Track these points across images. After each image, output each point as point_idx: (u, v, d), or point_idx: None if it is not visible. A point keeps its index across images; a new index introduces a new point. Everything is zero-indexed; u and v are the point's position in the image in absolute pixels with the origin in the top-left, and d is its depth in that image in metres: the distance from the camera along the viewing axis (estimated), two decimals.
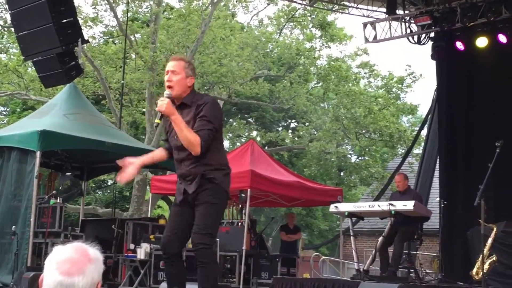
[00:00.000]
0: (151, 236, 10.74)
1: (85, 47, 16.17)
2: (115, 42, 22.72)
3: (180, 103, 4.89)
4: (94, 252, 2.22)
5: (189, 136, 4.69)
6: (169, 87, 4.82)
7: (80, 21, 12.22)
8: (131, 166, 4.85)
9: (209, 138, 4.76)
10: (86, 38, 10.71)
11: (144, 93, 20.85)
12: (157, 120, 4.80)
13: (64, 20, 9.57)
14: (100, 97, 22.48)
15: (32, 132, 9.52)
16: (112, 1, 20.15)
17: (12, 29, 19.53)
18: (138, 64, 20.41)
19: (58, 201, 10.11)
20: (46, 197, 10.11)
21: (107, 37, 22.98)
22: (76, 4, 10.00)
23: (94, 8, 20.54)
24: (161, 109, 4.68)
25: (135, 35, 21.19)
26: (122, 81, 16.53)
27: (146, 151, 11.72)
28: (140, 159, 4.96)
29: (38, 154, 9.29)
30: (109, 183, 27.36)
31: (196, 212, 4.85)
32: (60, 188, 11.60)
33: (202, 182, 4.84)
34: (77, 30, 9.91)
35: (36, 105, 20.87)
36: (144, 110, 21.29)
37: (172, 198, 22.67)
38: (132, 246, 10.59)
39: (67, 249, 2.19)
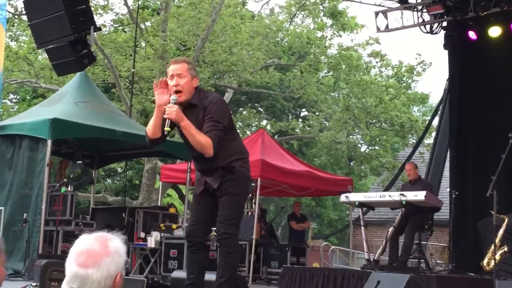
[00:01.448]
0: (161, 225, 10.77)
1: (96, 35, 16.17)
2: (125, 30, 22.70)
3: (188, 104, 4.90)
4: (115, 244, 2.21)
5: (201, 140, 4.72)
6: (177, 91, 4.79)
7: (91, 9, 12.20)
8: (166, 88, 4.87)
9: (220, 138, 4.80)
10: (97, 25, 10.70)
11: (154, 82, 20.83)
12: (167, 128, 4.75)
13: (77, 8, 9.57)
14: (110, 85, 22.48)
15: (43, 120, 9.54)
16: None
17: (23, 17, 19.63)
18: (148, 53, 20.39)
19: (69, 189, 10.14)
20: (57, 185, 10.15)
21: (118, 25, 22.95)
22: None
23: None
24: (171, 116, 4.66)
25: (145, 23, 21.16)
26: (133, 69, 16.52)
27: None
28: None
29: (49, 142, 9.31)
30: (119, 171, 27.43)
31: (220, 202, 4.92)
32: (71, 176, 11.64)
33: (223, 173, 4.91)
34: (89, 17, 9.92)
35: (46, 93, 20.91)
36: (153, 98, 21.26)
37: (182, 188, 22.73)
38: (142, 235, 10.61)
39: (88, 239, 2.21)
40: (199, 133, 4.72)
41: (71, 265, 2.16)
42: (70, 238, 9.05)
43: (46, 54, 12.00)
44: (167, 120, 4.69)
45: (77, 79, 11.20)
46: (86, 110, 10.40)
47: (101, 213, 11.81)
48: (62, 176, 11.08)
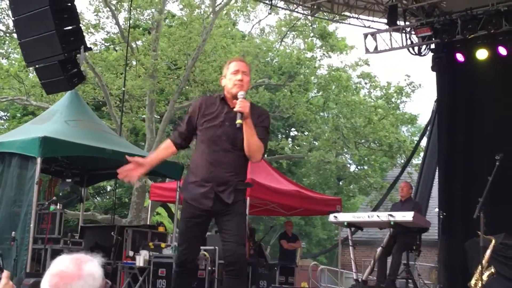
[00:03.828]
0: (150, 244, 10.75)
1: (87, 54, 16.21)
2: (116, 49, 22.78)
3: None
4: (90, 267, 2.20)
5: (258, 142, 4.54)
6: (242, 86, 4.60)
7: (82, 28, 12.26)
8: (140, 168, 4.69)
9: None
10: (88, 45, 10.75)
11: (145, 100, 20.90)
12: (239, 121, 4.43)
13: (67, 28, 9.61)
14: (100, 103, 22.51)
15: (33, 138, 9.53)
16: (114, 8, 20.22)
17: (14, 35, 19.66)
18: (139, 71, 20.46)
19: (58, 207, 10.12)
20: (46, 203, 10.12)
21: (109, 44, 23.03)
22: (78, 11, 10.03)
23: (96, 15, 20.65)
24: (246, 110, 4.43)
25: (137, 42, 21.25)
26: (123, 88, 16.57)
27: None
28: (149, 161, 4.79)
29: (39, 160, 9.30)
30: (108, 189, 27.36)
31: (230, 221, 4.60)
32: (60, 194, 11.60)
33: (236, 193, 4.64)
34: (80, 37, 9.95)
35: (36, 110, 20.90)
36: (144, 117, 21.32)
37: (171, 206, 22.70)
38: (131, 253, 10.58)
39: (63, 260, 2.21)
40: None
41: (44, 287, 2.16)
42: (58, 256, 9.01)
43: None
44: (238, 113, 4.44)
45: (67, 97, 11.21)
46: (76, 129, 10.40)
47: (90, 231, 11.77)
48: (51, 194, 11.06)
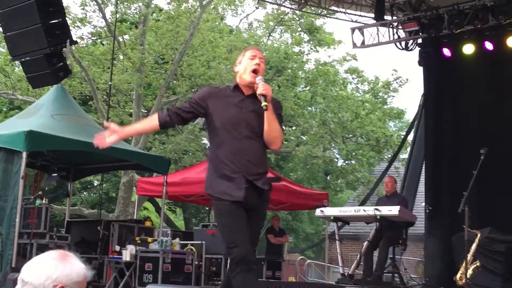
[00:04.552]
0: (137, 238, 10.74)
1: (73, 48, 16.13)
2: (103, 43, 22.67)
3: (253, 93, 4.45)
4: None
5: (280, 128, 4.38)
6: (259, 72, 4.44)
7: (68, 22, 12.19)
8: (113, 134, 4.48)
9: None
10: (74, 38, 10.69)
11: (132, 95, 20.83)
12: (265, 103, 4.26)
13: (53, 21, 9.57)
14: (87, 97, 22.42)
15: (18, 132, 9.47)
16: (100, 2, 20.12)
17: (0, 29, 19.53)
18: (126, 66, 20.38)
19: (44, 202, 10.07)
20: (32, 197, 10.08)
21: (95, 38, 22.92)
22: (64, 4, 9.99)
23: (83, 8, 20.52)
24: (269, 92, 4.32)
25: (124, 36, 21.16)
26: (110, 82, 16.50)
27: (133, 153, 11.74)
28: (125, 129, 4.62)
29: (24, 154, 9.24)
30: (95, 184, 27.28)
31: (254, 220, 4.39)
32: (46, 189, 11.55)
33: (265, 191, 4.44)
34: (66, 31, 9.90)
35: (23, 105, 20.78)
36: (131, 111, 21.26)
37: (158, 201, 22.67)
38: (117, 248, 10.57)
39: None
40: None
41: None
42: (44, 251, 8.97)
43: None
44: (261, 96, 4.28)
45: (53, 91, 11.15)
46: (62, 123, 10.35)
47: (76, 226, 11.74)
48: (37, 188, 11.01)
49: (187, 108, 4.51)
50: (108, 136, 4.50)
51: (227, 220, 4.31)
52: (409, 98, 52.06)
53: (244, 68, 4.50)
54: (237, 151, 4.32)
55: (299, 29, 24.32)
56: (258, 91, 4.30)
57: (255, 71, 4.43)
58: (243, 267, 4.14)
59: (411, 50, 12.89)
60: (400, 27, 12.71)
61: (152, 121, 4.57)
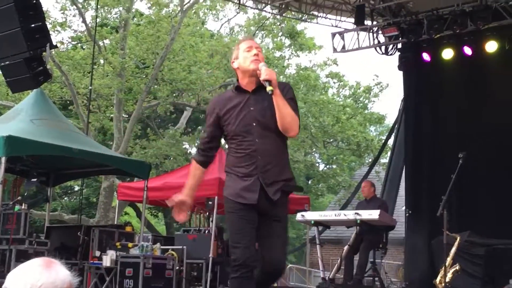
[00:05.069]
0: (118, 243, 10.68)
1: (53, 52, 16.04)
2: (84, 47, 22.58)
3: (258, 86, 4.29)
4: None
5: (292, 112, 4.13)
6: (258, 61, 4.26)
7: (49, 26, 12.14)
8: (184, 205, 4.32)
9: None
10: (54, 43, 10.63)
11: (112, 99, 20.75)
12: (270, 88, 4.08)
13: (32, 25, 9.49)
14: (68, 102, 22.29)
15: None
16: (81, 6, 20.04)
17: None
18: (106, 70, 20.31)
19: (23, 207, 9.99)
20: (11, 203, 9.99)
21: (76, 42, 22.83)
22: (44, 8, 9.93)
23: (63, 13, 20.44)
24: (273, 76, 4.12)
25: (104, 40, 21.10)
26: (90, 87, 16.43)
27: (114, 158, 11.67)
28: (188, 194, 4.36)
29: (3, 159, 9.16)
30: (75, 189, 27.12)
31: (274, 226, 4.21)
32: (26, 194, 11.46)
33: (282, 193, 4.23)
34: (45, 35, 9.83)
35: (2, 109, 20.62)
36: (112, 116, 21.17)
37: (139, 206, 22.58)
38: (98, 253, 10.51)
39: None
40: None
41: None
42: (23, 257, 8.91)
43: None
44: (266, 82, 4.11)
45: (33, 96, 11.07)
46: (41, 128, 10.28)
47: (56, 231, 11.65)
48: (17, 194, 10.93)
49: (208, 138, 4.45)
50: (181, 208, 4.34)
51: (235, 220, 4.20)
52: (390, 102, 52.42)
53: (243, 59, 4.33)
54: (252, 152, 4.19)
55: (280, 33, 24.39)
56: (262, 77, 4.14)
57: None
58: (244, 272, 4.05)
59: (391, 54, 12.97)
60: (380, 32, 12.79)
61: (197, 170, 4.45)
